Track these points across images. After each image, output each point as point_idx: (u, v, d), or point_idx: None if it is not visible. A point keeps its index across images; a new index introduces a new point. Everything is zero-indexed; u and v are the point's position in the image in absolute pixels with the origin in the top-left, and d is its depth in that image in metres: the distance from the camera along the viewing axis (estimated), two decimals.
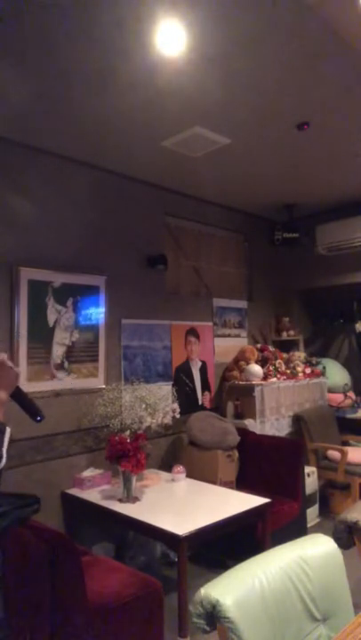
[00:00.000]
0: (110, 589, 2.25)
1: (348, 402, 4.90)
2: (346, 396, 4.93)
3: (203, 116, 2.82)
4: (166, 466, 3.67)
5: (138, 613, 2.23)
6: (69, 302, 3.30)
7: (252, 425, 3.96)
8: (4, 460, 1.25)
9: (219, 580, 1.37)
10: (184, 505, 2.96)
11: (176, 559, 2.56)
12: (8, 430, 1.28)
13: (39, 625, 2.02)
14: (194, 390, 4.18)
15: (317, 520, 4.01)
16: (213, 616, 1.30)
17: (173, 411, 3.27)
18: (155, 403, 3.14)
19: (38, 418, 1.52)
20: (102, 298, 3.49)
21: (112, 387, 3.31)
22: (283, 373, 4.40)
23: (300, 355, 4.75)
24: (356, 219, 4.41)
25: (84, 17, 1.95)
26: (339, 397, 4.90)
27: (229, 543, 3.03)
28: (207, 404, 4.27)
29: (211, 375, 4.35)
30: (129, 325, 3.68)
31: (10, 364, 1.37)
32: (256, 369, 4.21)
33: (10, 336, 2.97)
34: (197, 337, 4.25)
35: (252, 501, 2.88)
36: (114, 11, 1.92)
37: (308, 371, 4.60)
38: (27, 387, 2.81)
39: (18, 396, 1.47)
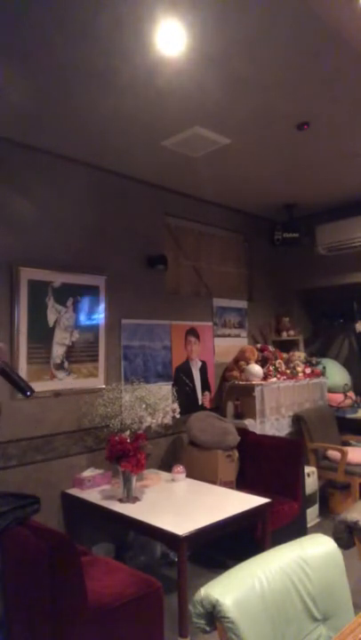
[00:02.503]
0: (110, 589, 2.25)
1: (348, 402, 4.90)
2: (346, 395, 4.93)
3: (203, 116, 2.82)
4: (166, 466, 3.67)
5: (138, 613, 2.23)
6: (69, 302, 3.30)
7: (252, 425, 3.96)
8: None
9: (219, 580, 1.37)
10: (184, 505, 2.96)
11: (176, 559, 2.56)
12: None
13: (39, 625, 2.02)
14: (194, 390, 4.18)
15: (317, 520, 4.01)
16: (213, 616, 1.31)
17: (173, 411, 3.27)
18: (155, 403, 3.14)
19: (28, 393, 1.54)
20: (102, 298, 3.50)
21: (112, 387, 3.31)
22: (283, 373, 4.40)
23: (300, 355, 4.75)
24: (356, 219, 4.41)
25: (84, 17, 1.95)
26: (339, 397, 4.90)
27: (229, 543, 3.03)
28: (207, 404, 4.27)
29: (211, 375, 4.35)
30: (129, 325, 3.68)
31: None
32: (256, 369, 4.21)
33: (10, 336, 2.97)
34: (197, 337, 4.25)
35: (252, 501, 2.88)
36: (114, 10, 1.92)
37: (308, 371, 4.60)
38: None
39: (5, 371, 1.50)
